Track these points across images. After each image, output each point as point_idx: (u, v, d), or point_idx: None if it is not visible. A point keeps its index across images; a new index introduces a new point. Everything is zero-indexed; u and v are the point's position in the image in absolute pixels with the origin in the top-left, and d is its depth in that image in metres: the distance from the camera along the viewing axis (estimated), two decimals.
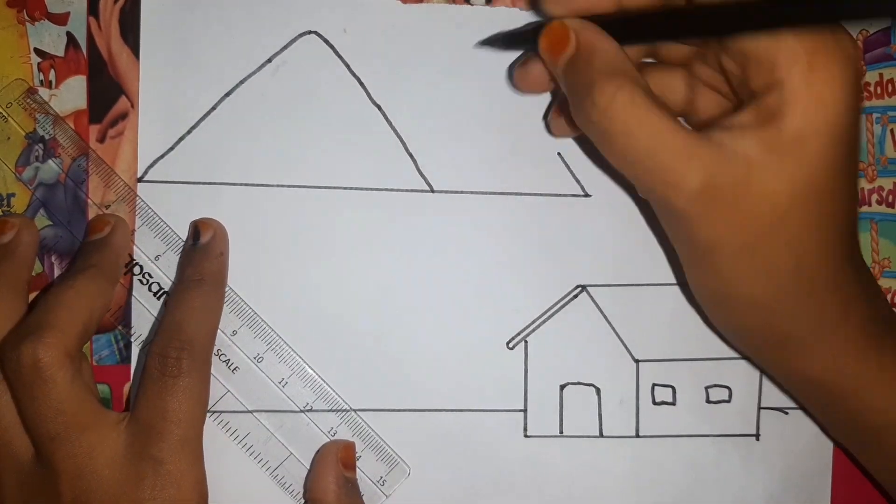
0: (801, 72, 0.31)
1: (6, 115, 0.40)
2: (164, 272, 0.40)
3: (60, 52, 0.40)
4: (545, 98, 0.42)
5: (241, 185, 0.41)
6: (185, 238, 0.40)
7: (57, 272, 0.40)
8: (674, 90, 0.38)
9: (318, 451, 0.40)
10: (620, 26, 0.35)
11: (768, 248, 0.33)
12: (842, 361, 0.36)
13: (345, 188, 0.41)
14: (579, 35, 0.34)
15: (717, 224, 0.33)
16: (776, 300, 0.34)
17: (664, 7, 0.35)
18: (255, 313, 0.40)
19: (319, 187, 0.41)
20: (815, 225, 0.33)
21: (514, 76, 0.40)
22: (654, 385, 0.43)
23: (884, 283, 0.44)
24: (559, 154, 0.42)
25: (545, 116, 0.41)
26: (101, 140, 0.40)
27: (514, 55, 0.41)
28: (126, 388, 0.40)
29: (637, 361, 0.42)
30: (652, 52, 0.39)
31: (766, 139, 0.31)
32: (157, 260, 0.40)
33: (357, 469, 0.40)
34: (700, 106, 0.38)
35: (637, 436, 0.42)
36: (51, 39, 0.40)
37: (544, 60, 0.36)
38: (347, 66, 0.41)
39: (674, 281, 0.42)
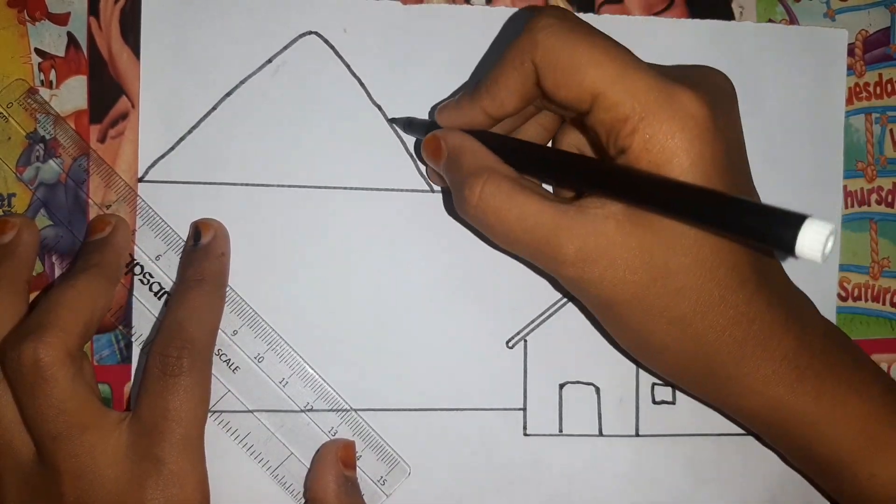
0: (640, 137, 0.32)
1: (7, 115, 0.40)
2: (165, 272, 0.40)
3: (61, 53, 0.40)
4: None
5: (241, 185, 0.41)
6: (185, 238, 0.40)
7: (57, 272, 0.40)
8: (585, 144, 0.39)
9: (318, 450, 0.40)
10: (492, 138, 0.37)
11: (658, 298, 0.34)
12: (775, 394, 0.36)
13: (345, 188, 0.41)
14: (448, 142, 0.37)
15: (602, 284, 0.34)
16: (686, 344, 0.35)
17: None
18: (256, 313, 0.40)
19: (319, 187, 0.41)
20: (703, 273, 0.33)
21: (427, 174, 0.42)
22: (654, 384, 0.43)
23: (883, 282, 0.44)
24: None
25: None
26: (102, 140, 0.40)
27: None
28: (127, 387, 0.40)
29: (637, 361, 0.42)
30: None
31: (614, 207, 0.33)
32: (158, 260, 0.40)
33: (357, 469, 0.40)
34: None
35: (637, 435, 0.43)
36: (51, 39, 0.40)
37: (428, 165, 0.40)
38: (348, 66, 0.41)
39: None
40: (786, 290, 0.37)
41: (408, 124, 0.41)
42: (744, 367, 0.35)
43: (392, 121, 0.41)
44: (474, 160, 0.36)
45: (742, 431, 0.43)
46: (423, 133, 0.39)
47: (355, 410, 0.41)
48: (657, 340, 0.35)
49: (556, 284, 0.42)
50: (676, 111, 0.32)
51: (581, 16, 0.42)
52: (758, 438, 0.43)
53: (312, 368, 0.41)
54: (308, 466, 0.40)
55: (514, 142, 0.38)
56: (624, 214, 0.33)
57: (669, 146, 0.32)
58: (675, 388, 0.43)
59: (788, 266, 0.42)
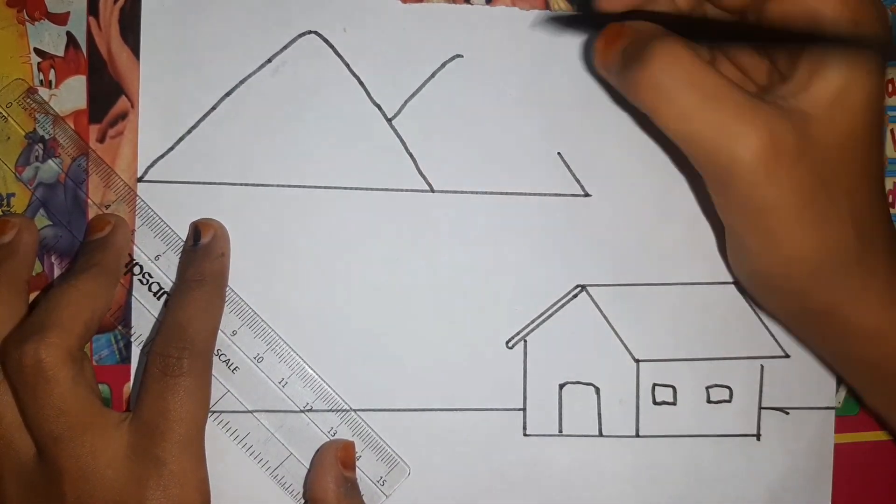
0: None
1: (6, 114, 0.40)
2: (164, 272, 0.40)
3: (60, 52, 0.40)
4: (545, 99, 0.42)
5: (241, 184, 0.41)
6: (185, 238, 0.40)
7: (57, 272, 0.40)
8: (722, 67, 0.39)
9: (317, 450, 0.40)
10: (673, 23, 0.36)
11: (828, 201, 0.34)
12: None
13: (345, 188, 0.41)
14: (632, 25, 0.35)
15: (781, 181, 0.33)
16: (835, 252, 0.35)
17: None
18: (255, 313, 0.41)
19: (319, 187, 0.41)
20: (866, 173, 0.35)
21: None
22: (654, 385, 0.43)
23: None
24: (559, 154, 0.42)
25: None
26: (101, 140, 0.40)
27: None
28: (126, 387, 0.40)
29: (637, 361, 0.42)
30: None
31: (815, 94, 0.33)
32: (157, 260, 0.40)
33: (357, 469, 0.40)
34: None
35: (637, 435, 0.43)
36: (51, 39, 0.40)
37: (597, 60, 0.37)
38: (347, 65, 0.41)
39: (674, 281, 0.43)
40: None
41: (564, 21, 0.40)
42: (873, 280, 0.36)
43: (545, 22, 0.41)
44: (660, 32, 0.34)
45: (743, 432, 0.43)
46: (585, 24, 0.39)
47: (355, 411, 0.41)
48: (810, 248, 0.35)
49: (561, 281, 0.42)
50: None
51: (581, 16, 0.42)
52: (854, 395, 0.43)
53: (312, 368, 0.41)
54: (307, 467, 0.40)
55: (698, 18, 0.37)
56: (812, 109, 0.33)
57: None
58: (788, 328, 0.42)
59: None
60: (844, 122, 0.33)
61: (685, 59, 0.33)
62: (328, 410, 0.41)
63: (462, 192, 0.42)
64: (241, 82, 0.41)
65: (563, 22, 0.40)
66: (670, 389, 0.43)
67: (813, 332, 0.40)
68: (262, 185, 0.41)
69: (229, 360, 0.40)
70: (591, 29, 0.39)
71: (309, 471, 0.40)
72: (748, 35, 0.36)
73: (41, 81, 0.40)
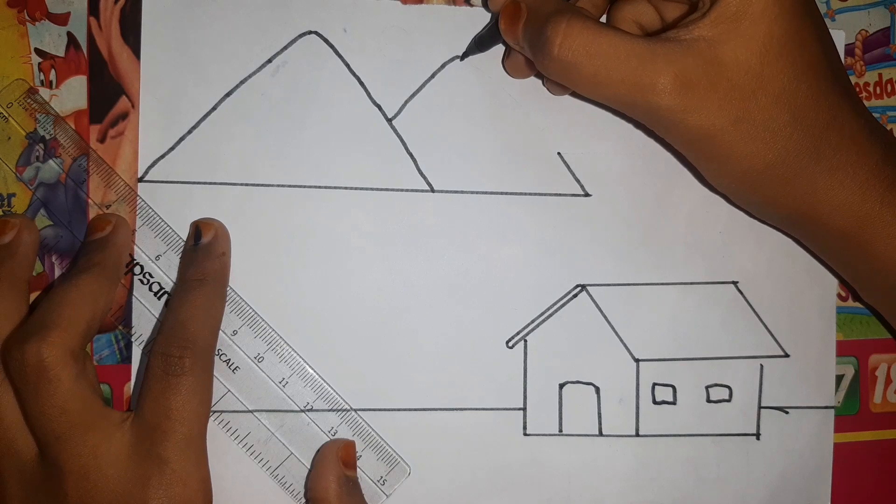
0: None
1: (7, 115, 0.40)
2: (165, 272, 0.40)
3: (61, 53, 0.41)
4: (544, 98, 0.42)
5: (241, 184, 0.41)
6: (185, 238, 0.40)
7: (57, 272, 0.40)
8: (644, 14, 0.40)
9: (318, 450, 0.40)
10: None
11: (759, 111, 0.35)
12: (865, 206, 0.37)
13: (345, 188, 0.41)
14: (526, 1, 0.37)
15: (702, 109, 0.34)
16: (788, 156, 0.35)
17: None
18: (256, 313, 0.41)
19: (319, 187, 0.41)
20: (796, 74, 0.35)
21: (506, 67, 0.42)
22: (654, 384, 0.43)
23: None
24: (559, 154, 0.42)
25: (503, 62, 0.42)
26: (102, 140, 0.41)
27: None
28: (127, 387, 0.41)
29: (637, 361, 0.43)
30: None
31: (716, 18, 0.34)
32: (158, 260, 0.40)
33: (358, 469, 0.41)
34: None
35: (637, 435, 0.43)
36: (51, 39, 0.40)
37: (506, 39, 0.39)
38: (348, 65, 0.42)
39: (674, 280, 0.43)
40: (862, 104, 0.38)
41: (477, 43, 0.41)
42: (837, 176, 0.36)
43: (464, 55, 0.42)
44: (553, 7, 0.36)
45: (742, 431, 0.43)
46: (493, 34, 0.40)
47: (355, 410, 0.41)
48: (760, 160, 0.36)
49: (561, 280, 0.42)
50: None
51: None
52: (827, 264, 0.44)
53: (312, 368, 0.41)
54: (308, 466, 0.40)
55: None
56: (715, 33, 0.34)
57: None
58: (765, 222, 0.43)
59: (789, 261, 0.42)
60: (756, 33, 0.34)
61: (577, 30, 0.35)
62: (328, 410, 0.41)
63: (462, 192, 0.42)
64: (242, 82, 0.41)
65: (480, 42, 0.41)
66: (670, 389, 0.43)
67: (800, 234, 0.41)
68: (262, 184, 0.41)
69: (230, 359, 0.40)
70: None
71: (310, 470, 0.40)
72: None
73: (42, 81, 0.40)
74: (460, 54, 0.42)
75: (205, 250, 0.39)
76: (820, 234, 0.39)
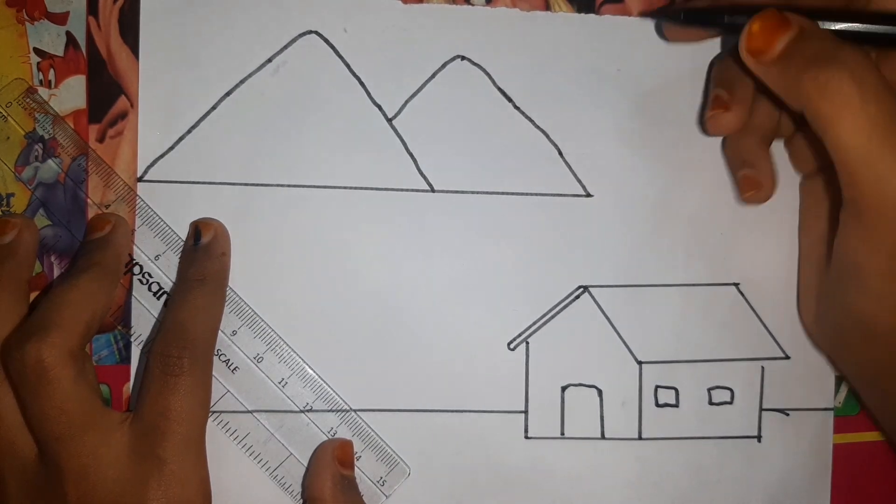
0: None
1: (6, 114, 0.41)
2: (164, 272, 0.41)
3: (60, 52, 0.41)
4: (545, 99, 0.43)
5: (240, 184, 0.41)
6: (184, 238, 0.41)
7: (57, 272, 0.41)
8: None
9: (315, 449, 0.41)
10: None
11: None
12: None
13: (345, 188, 0.42)
14: (796, 17, 0.35)
15: None
16: None
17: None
18: (255, 313, 0.41)
19: (319, 187, 0.42)
20: None
21: (708, 124, 0.40)
22: (657, 387, 0.43)
23: None
24: (560, 154, 0.43)
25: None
26: (101, 140, 0.41)
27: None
28: (126, 388, 0.41)
29: (640, 363, 0.43)
30: None
31: None
32: (157, 260, 0.41)
33: (357, 469, 0.41)
34: None
35: (640, 438, 0.43)
36: (50, 39, 0.41)
37: (748, 45, 0.35)
38: (348, 65, 0.42)
39: (676, 282, 0.43)
40: None
41: (687, 17, 0.38)
42: None
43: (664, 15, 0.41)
44: (825, 34, 0.34)
45: (744, 434, 0.43)
46: (708, 21, 0.38)
47: (355, 411, 0.42)
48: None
49: (563, 282, 0.43)
50: None
51: (580, 16, 0.43)
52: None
53: (312, 369, 0.41)
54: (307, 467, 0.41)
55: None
56: None
57: None
58: (860, 384, 0.42)
59: (790, 263, 0.42)
60: None
61: (874, 73, 0.32)
62: (328, 410, 0.41)
63: (462, 192, 0.42)
64: (242, 82, 0.41)
65: (691, 17, 0.39)
66: (673, 391, 0.43)
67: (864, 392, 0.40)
68: (262, 184, 0.41)
69: (229, 360, 0.41)
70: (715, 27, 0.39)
71: (306, 470, 0.41)
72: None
73: (41, 81, 0.41)
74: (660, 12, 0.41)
75: (204, 250, 0.40)
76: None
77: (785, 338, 0.44)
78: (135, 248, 0.41)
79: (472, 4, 0.42)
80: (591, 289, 0.43)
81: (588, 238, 0.43)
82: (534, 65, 0.43)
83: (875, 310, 0.35)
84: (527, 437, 0.43)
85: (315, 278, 0.42)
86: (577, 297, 0.43)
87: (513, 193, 0.42)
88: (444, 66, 0.42)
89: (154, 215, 0.41)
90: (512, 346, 0.43)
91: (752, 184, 0.39)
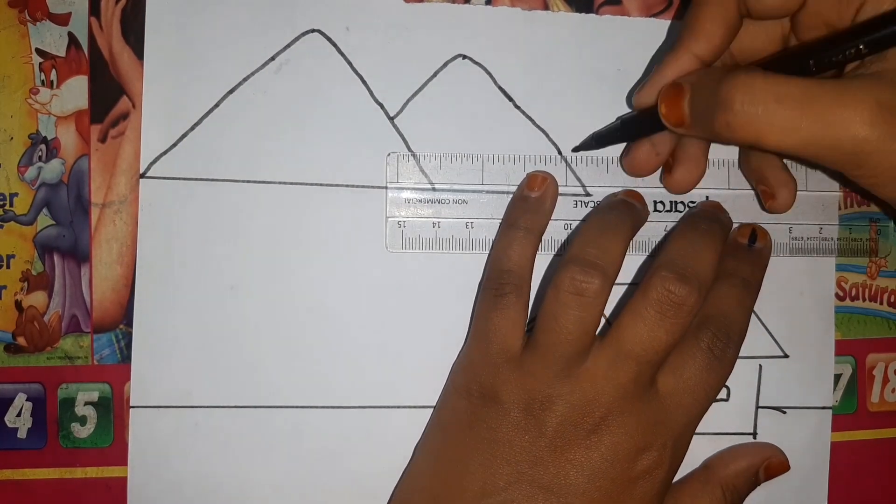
0: None
1: (9, 115, 0.41)
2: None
3: (62, 53, 0.41)
4: (546, 97, 0.43)
5: (243, 181, 0.42)
6: (189, 235, 0.41)
7: (58, 272, 0.41)
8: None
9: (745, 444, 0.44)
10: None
11: None
12: None
13: (346, 185, 0.42)
14: (685, 78, 0.38)
15: None
16: None
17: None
18: (257, 310, 0.42)
19: (321, 185, 0.42)
20: None
21: (625, 166, 0.43)
22: None
23: (881, 282, 0.45)
24: (560, 154, 0.43)
25: (621, 161, 0.43)
26: (103, 140, 0.41)
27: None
28: (126, 387, 0.41)
29: None
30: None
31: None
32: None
33: (357, 468, 0.42)
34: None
35: None
36: (52, 39, 0.41)
37: (669, 123, 0.38)
38: (350, 64, 0.42)
39: None
40: None
41: (596, 139, 0.43)
42: None
43: (575, 150, 0.43)
44: (719, 72, 0.36)
45: (740, 431, 0.44)
46: (614, 133, 0.42)
47: (355, 409, 0.42)
48: None
49: None
50: None
51: (580, 16, 0.43)
52: None
53: (312, 367, 0.42)
54: (308, 466, 0.42)
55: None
56: None
57: None
58: None
59: (788, 261, 0.43)
60: None
61: (760, 80, 0.34)
62: (328, 408, 0.42)
63: (462, 191, 0.43)
64: (244, 80, 0.42)
65: (599, 140, 0.42)
66: None
67: None
68: (264, 182, 0.42)
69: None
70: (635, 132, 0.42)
71: (731, 449, 0.43)
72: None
73: (43, 82, 0.41)
74: (573, 148, 0.43)
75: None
76: None
77: (783, 336, 0.44)
78: (141, 243, 0.41)
79: (473, 4, 0.43)
80: None
81: None
82: (534, 64, 0.43)
83: None
84: None
85: (316, 275, 0.42)
86: None
87: (513, 193, 0.42)
88: (445, 64, 0.43)
89: (156, 213, 0.41)
90: None
91: (768, 196, 0.42)
